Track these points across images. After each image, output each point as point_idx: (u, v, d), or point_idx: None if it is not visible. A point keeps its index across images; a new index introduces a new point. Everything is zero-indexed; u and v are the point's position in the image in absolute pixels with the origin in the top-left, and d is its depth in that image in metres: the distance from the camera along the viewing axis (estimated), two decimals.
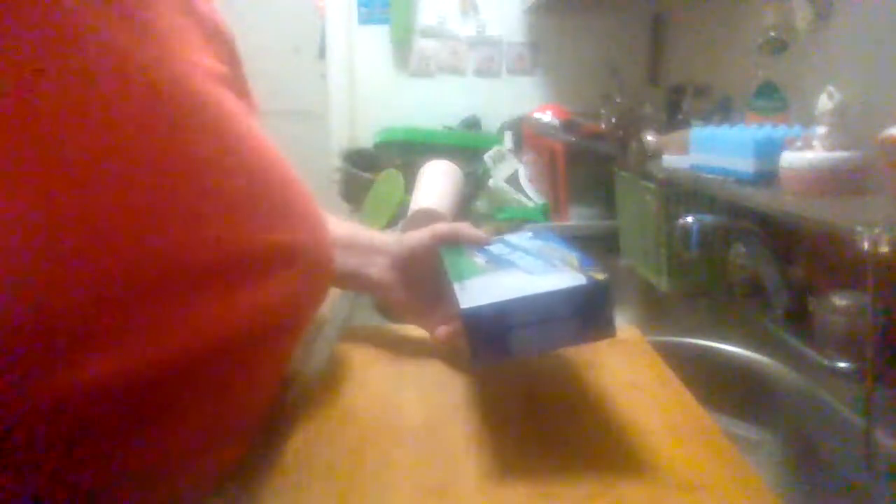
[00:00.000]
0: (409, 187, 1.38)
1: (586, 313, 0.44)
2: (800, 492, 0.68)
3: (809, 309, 0.75)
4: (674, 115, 1.33)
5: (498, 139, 1.73)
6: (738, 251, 0.93)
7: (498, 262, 0.54)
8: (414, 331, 0.66)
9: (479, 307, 0.44)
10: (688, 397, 0.53)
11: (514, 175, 1.55)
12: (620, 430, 0.47)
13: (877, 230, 0.54)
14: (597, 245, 1.25)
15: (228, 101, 0.39)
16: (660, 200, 1.01)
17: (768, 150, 0.77)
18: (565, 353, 0.60)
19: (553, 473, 0.42)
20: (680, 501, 0.40)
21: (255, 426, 0.45)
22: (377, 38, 1.93)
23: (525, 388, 0.54)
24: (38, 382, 0.28)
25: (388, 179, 1.47)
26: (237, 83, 0.42)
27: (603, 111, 1.37)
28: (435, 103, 1.92)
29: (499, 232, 0.70)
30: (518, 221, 1.31)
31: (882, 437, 0.57)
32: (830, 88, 0.70)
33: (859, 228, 0.55)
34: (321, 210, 0.47)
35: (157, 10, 0.36)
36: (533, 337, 0.44)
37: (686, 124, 1.19)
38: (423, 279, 0.63)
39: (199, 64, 0.38)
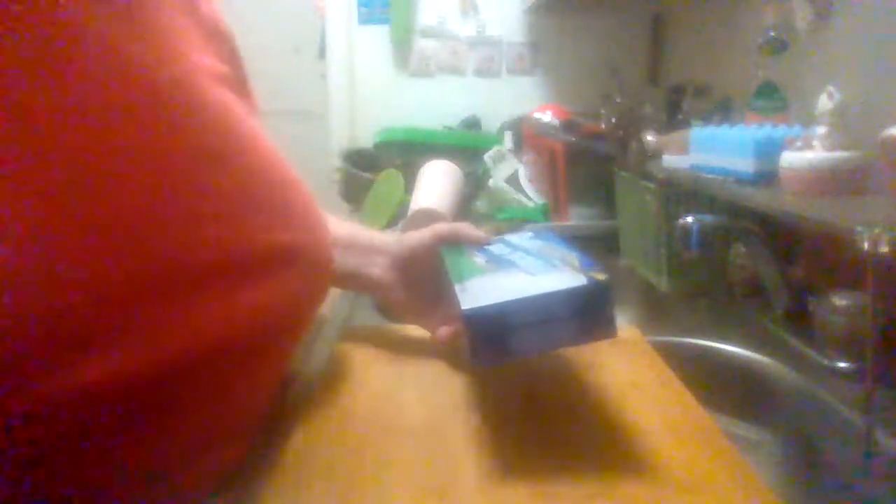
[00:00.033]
0: (409, 187, 1.38)
1: (587, 314, 0.44)
2: (800, 492, 0.68)
3: (809, 309, 0.75)
4: (674, 115, 1.33)
5: (498, 139, 1.73)
6: (738, 251, 0.93)
7: (498, 263, 0.54)
8: (414, 331, 0.66)
9: (481, 308, 0.44)
10: (688, 397, 0.53)
11: (514, 175, 1.55)
12: (620, 430, 0.47)
13: (877, 230, 0.54)
14: (597, 245, 1.25)
15: (229, 101, 0.39)
16: (660, 200, 1.01)
17: (768, 150, 0.77)
18: (565, 353, 0.60)
19: (553, 473, 0.42)
20: (680, 501, 0.40)
21: (255, 426, 0.45)
22: (377, 38, 1.93)
23: (525, 388, 0.54)
24: (39, 383, 0.28)
25: (388, 179, 1.47)
26: (238, 83, 0.42)
27: (603, 111, 1.37)
28: (435, 103, 1.92)
29: (499, 232, 0.70)
30: (518, 221, 1.31)
31: (882, 437, 0.57)
32: (830, 88, 0.70)
33: (859, 228, 0.55)
34: (321, 210, 0.47)
35: (157, 10, 0.36)
36: (534, 337, 0.44)
37: (686, 124, 1.19)
38: (423, 279, 0.63)
39: (200, 64, 0.38)
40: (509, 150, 1.64)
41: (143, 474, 0.35)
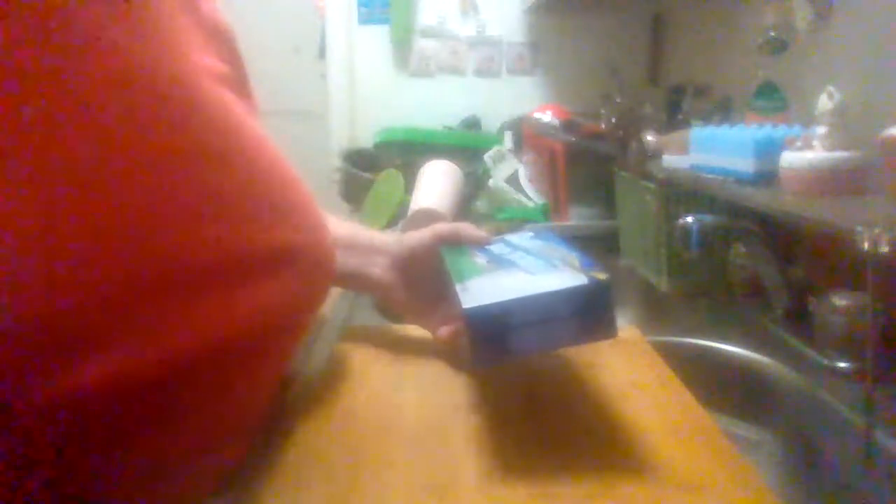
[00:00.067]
0: (409, 187, 1.38)
1: (587, 313, 0.44)
2: (800, 492, 0.68)
3: (809, 309, 0.75)
4: (674, 115, 1.33)
5: (498, 139, 1.73)
6: (738, 251, 0.93)
7: (499, 262, 0.54)
8: (414, 331, 0.66)
9: (482, 307, 0.44)
10: (688, 397, 0.53)
11: (514, 175, 1.55)
12: (620, 430, 0.47)
13: (877, 230, 0.54)
14: (597, 245, 1.25)
15: (229, 100, 0.39)
16: (660, 200, 1.01)
17: (768, 150, 0.77)
18: (565, 353, 0.60)
19: (553, 473, 0.42)
20: (680, 501, 0.40)
21: (255, 426, 0.45)
22: (377, 38, 1.93)
23: (525, 388, 0.54)
24: (38, 383, 0.28)
25: (388, 179, 1.47)
26: (238, 83, 0.42)
27: (603, 111, 1.37)
28: (435, 103, 1.92)
29: (499, 232, 0.70)
30: (518, 221, 1.31)
31: (882, 437, 0.57)
32: (830, 88, 0.70)
33: (859, 228, 0.55)
34: (321, 210, 0.47)
35: (157, 10, 0.36)
36: (534, 337, 0.44)
37: (686, 124, 1.19)
38: (423, 279, 0.63)
39: (200, 63, 0.38)
40: (509, 150, 1.64)
41: (144, 474, 0.35)
